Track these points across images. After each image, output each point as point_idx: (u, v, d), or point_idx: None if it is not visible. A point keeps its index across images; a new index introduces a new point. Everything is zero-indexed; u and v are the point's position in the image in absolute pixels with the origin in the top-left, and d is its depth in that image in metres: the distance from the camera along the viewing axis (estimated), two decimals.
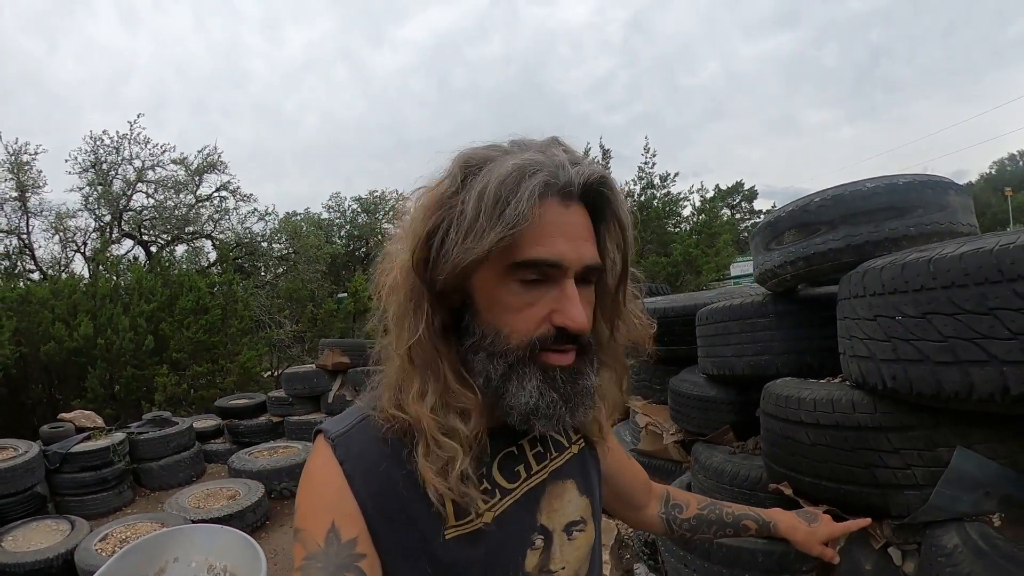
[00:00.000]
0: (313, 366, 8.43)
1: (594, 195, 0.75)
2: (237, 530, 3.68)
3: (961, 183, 1.98)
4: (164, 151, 15.43)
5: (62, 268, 14.34)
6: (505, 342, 0.74)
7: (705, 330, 2.79)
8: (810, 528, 1.26)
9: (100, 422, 6.72)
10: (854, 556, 1.67)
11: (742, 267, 18.08)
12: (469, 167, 0.73)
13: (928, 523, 1.44)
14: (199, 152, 15.90)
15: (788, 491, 1.84)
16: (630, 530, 3.68)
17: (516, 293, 0.73)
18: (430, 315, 0.75)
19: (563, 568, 0.85)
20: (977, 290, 1.18)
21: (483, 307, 0.75)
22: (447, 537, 0.76)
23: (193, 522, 4.54)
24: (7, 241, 14.07)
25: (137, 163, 15.18)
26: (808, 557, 1.75)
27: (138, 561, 3.10)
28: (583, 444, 0.94)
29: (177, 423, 7.11)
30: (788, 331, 2.32)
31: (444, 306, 0.76)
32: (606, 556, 3.29)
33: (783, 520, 1.26)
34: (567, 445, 0.92)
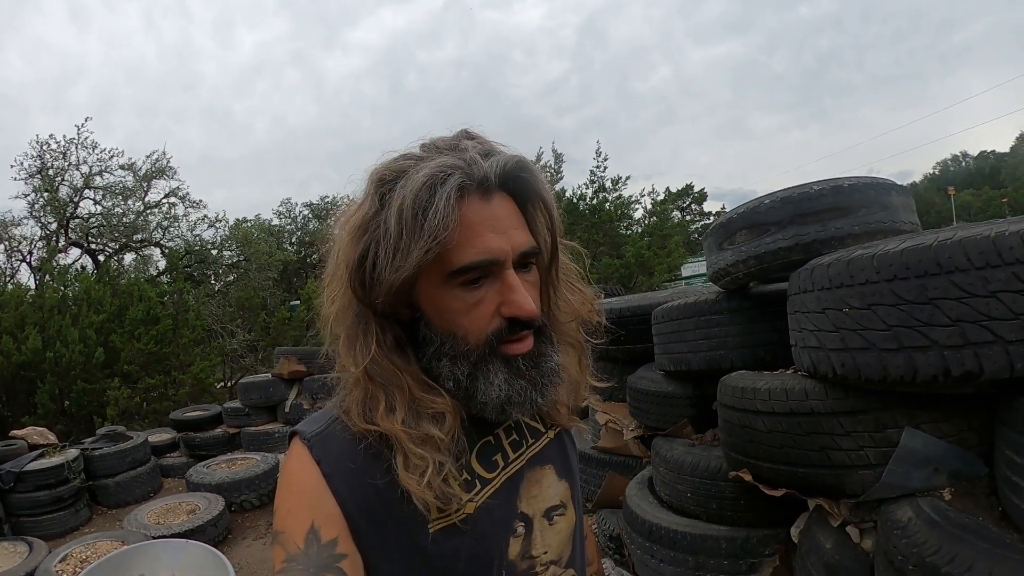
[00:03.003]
0: (269, 375, 8.28)
1: (514, 181, 0.76)
2: (202, 544, 3.61)
3: (906, 183, 2.11)
4: (112, 156, 14.90)
5: (8, 279, 13.73)
6: (463, 344, 0.75)
7: (661, 328, 2.88)
8: None
9: (53, 438, 6.43)
10: (815, 535, 1.77)
11: (693, 268, 18.46)
12: (384, 183, 0.73)
13: (883, 500, 1.55)
14: (148, 157, 15.44)
15: (748, 477, 1.93)
16: (594, 525, 3.74)
17: (461, 297, 0.74)
18: (379, 335, 0.76)
19: (545, 552, 0.85)
20: (918, 282, 1.29)
21: (433, 316, 0.76)
22: (431, 530, 0.76)
23: (155, 538, 4.39)
24: None
25: (84, 168, 14.62)
26: (769, 541, 1.84)
27: None
28: (559, 428, 0.95)
29: (132, 437, 6.83)
30: (741, 327, 2.44)
31: (393, 322, 0.78)
32: None
33: None
34: (543, 431, 0.92)
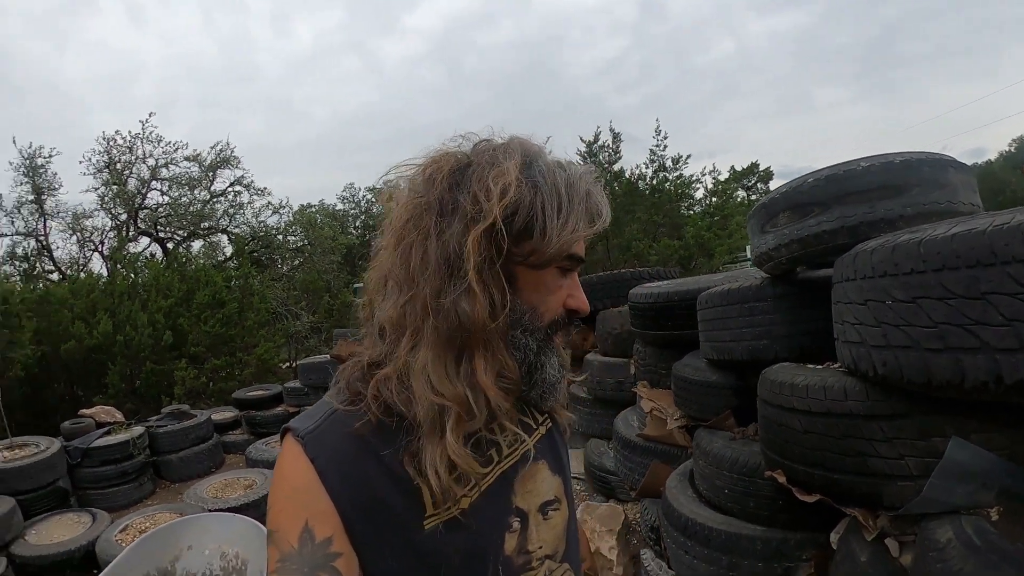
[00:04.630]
0: (328, 356, 8.45)
1: None
2: (248, 518, 3.74)
3: (979, 162, 1.90)
4: (177, 148, 15.41)
5: (80, 268, 14.45)
6: (539, 320, 0.80)
7: (705, 314, 2.74)
8: None
9: (120, 417, 6.81)
10: (851, 544, 1.63)
11: None
12: (526, 153, 0.78)
13: (924, 514, 1.39)
14: (212, 148, 15.91)
15: (782, 479, 1.79)
16: (637, 515, 3.67)
17: (556, 278, 0.80)
18: (506, 290, 0.76)
19: (540, 548, 0.85)
20: (969, 273, 1.12)
21: (528, 286, 0.79)
22: (426, 526, 0.76)
23: (209, 511, 4.56)
24: (25, 243, 14.20)
25: (151, 161, 15.22)
26: (806, 545, 1.70)
27: (154, 549, 3.20)
28: (550, 424, 0.95)
29: (195, 416, 7.17)
30: (786, 315, 2.27)
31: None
32: (613, 541, 3.29)
33: None
34: (535, 426, 0.92)
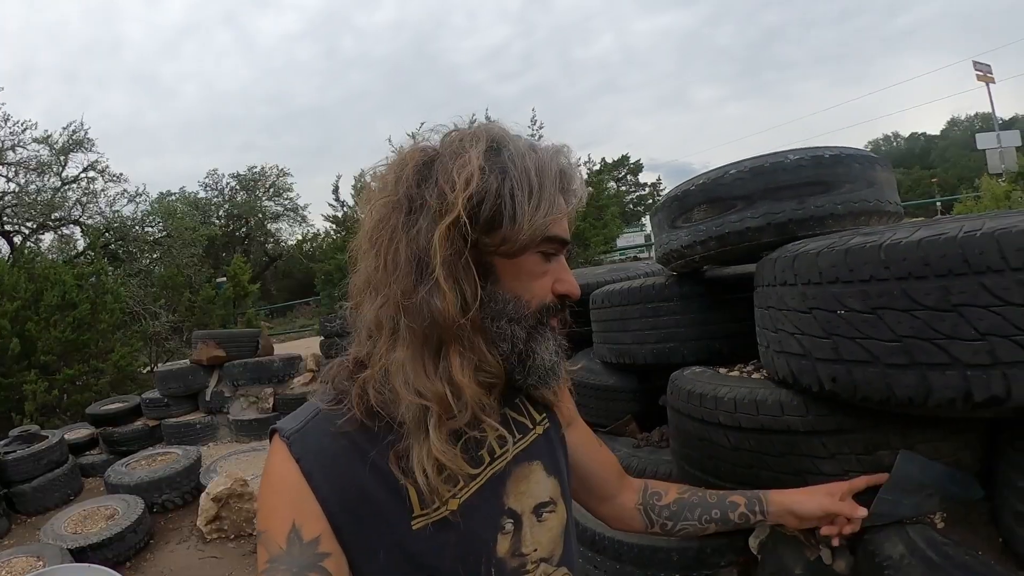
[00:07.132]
0: (187, 362, 7.80)
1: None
2: (103, 567, 3.52)
3: None
4: (25, 129, 13.98)
5: None
6: (525, 307, 0.79)
7: (601, 314, 2.56)
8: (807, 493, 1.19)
9: None
10: (780, 556, 1.54)
11: (628, 239, 18.75)
12: (493, 139, 0.77)
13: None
14: (64, 129, 14.44)
15: None
16: None
17: (538, 264, 0.80)
18: (477, 283, 0.75)
19: (535, 550, 0.85)
20: (939, 283, 1.01)
21: (507, 275, 0.79)
22: (414, 527, 0.76)
23: (70, 551, 4.17)
24: None
25: None
26: (724, 551, 1.62)
27: None
28: (548, 424, 0.95)
29: (47, 437, 6.32)
30: (695, 316, 2.14)
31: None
32: None
33: (774, 492, 1.20)
34: (531, 427, 0.92)
